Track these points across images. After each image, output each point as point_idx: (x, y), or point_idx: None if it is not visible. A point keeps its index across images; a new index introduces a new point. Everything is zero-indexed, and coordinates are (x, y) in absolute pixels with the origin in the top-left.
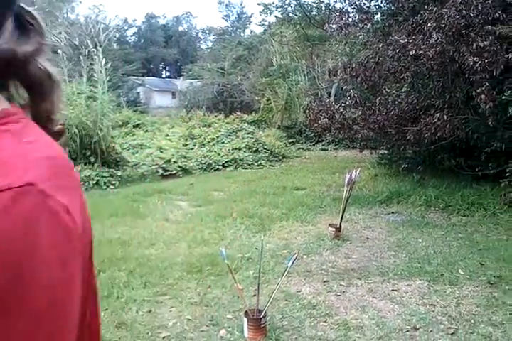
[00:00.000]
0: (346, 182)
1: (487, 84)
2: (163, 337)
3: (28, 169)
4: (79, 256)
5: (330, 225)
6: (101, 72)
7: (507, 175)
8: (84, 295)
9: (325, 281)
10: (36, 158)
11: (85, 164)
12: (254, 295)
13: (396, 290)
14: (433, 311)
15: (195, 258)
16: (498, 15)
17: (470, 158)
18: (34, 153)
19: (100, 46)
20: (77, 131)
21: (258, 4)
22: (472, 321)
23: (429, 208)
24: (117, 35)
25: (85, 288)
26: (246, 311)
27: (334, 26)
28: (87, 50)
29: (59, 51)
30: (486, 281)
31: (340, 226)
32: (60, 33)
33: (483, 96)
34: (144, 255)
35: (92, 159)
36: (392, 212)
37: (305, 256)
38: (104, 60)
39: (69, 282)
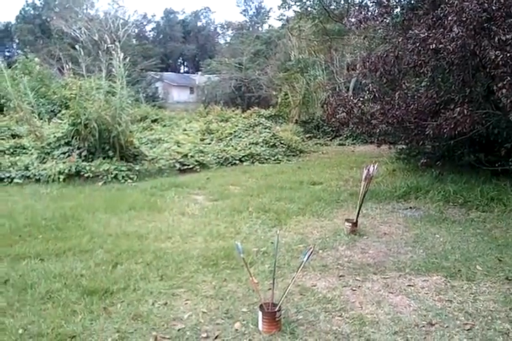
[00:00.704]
0: (364, 177)
1: (509, 78)
2: (179, 330)
3: None
4: None
5: (346, 220)
6: (120, 67)
7: None
8: None
9: (340, 276)
10: None
11: (104, 158)
12: (270, 289)
13: (412, 286)
14: (449, 307)
15: (211, 251)
16: None
17: (490, 154)
18: None
19: (119, 41)
20: (96, 125)
21: None
22: (489, 317)
23: (447, 203)
24: (136, 31)
25: None
26: (261, 305)
27: (353, 20)
28: (106, 46)
29: (77, 46)
30: (504, 277)
31: (357, 221)
32: (80, 28)
33: (504, 90)
34: (161, 248)
35: (110, 153)
36: (410, 207)
37: (321, 251)
38: (123, 55)
39: None
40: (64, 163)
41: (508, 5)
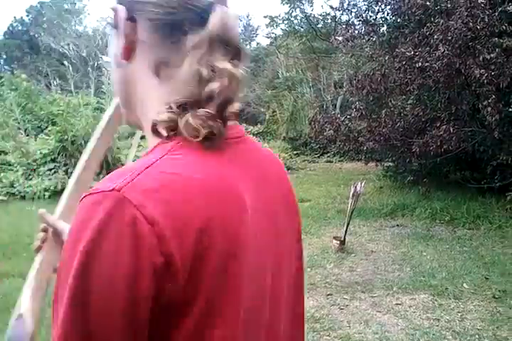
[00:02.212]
0: (351, 194)
1: (493, 96)
2: None
3: (127, 178)
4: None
5: (334, 238)
6: (109, 84)
7: None
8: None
9: (328, 294)
10: (152, 172)
11: None
12: None
13: (400, 304)
14: (437, 326)
15: None
16: (504, 28)
17: (476, 171)
18: (156, 168)
19: None
20: (83, 142)
21: (264, 17)
22: (477, 336)
23: (434, 221)
24: None
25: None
26: None
27: (340, 38)
28: (95, 62)
29: (66, 62)
30: (491, 296)
31: (345, 238)
32: (68, 44)
33: (489, 108)
34: None
35: (97, 170)
36: (397, 225)
37: (309, 269)
38: None
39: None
40: (50, 179)
41: (492, 24)
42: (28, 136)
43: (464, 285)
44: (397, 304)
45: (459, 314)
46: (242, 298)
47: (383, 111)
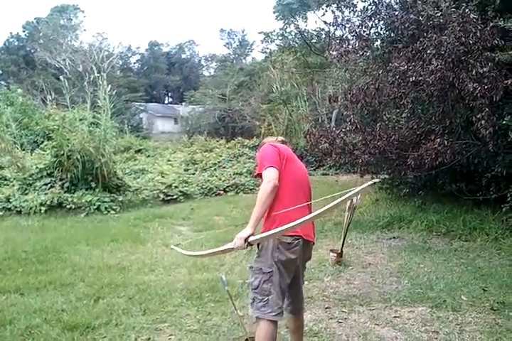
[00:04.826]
0: (347, 207)
1: (487, 109)
2: None
3: (270, 144)
4: (276, 151)
5: (331, 250)
6: (104, 99)
7: (508, 199)
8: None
9: (326, 308)
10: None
11: (87, 189)
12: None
13: (398, 317)
14: (436, 338)
15: (195, 284)
16: (496, 42)
17: (471, 183)
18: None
19: (104, 72)
20: (79, 156)
21: (259, 33)
22: None
23: (430, 233)
24: (121, 62)
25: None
26: (246, 339)
27: (334, 53)
28: (91, 77)
29: (61, 77)
30: (489, 307)
31: (342, 251)
32: (64, 59)
33: (483, 121)
34: (144, 281)
35: (93, 184)
36: (394, 237)
37: (306, 282)
38: (109, 86)
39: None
40: (46, 194)
41: (484, 39)
42: (24, 150)
43: (462, 297)
44: (395, 317)
45: (458, 326)
46: (291, 175)
47: (378, 125)
